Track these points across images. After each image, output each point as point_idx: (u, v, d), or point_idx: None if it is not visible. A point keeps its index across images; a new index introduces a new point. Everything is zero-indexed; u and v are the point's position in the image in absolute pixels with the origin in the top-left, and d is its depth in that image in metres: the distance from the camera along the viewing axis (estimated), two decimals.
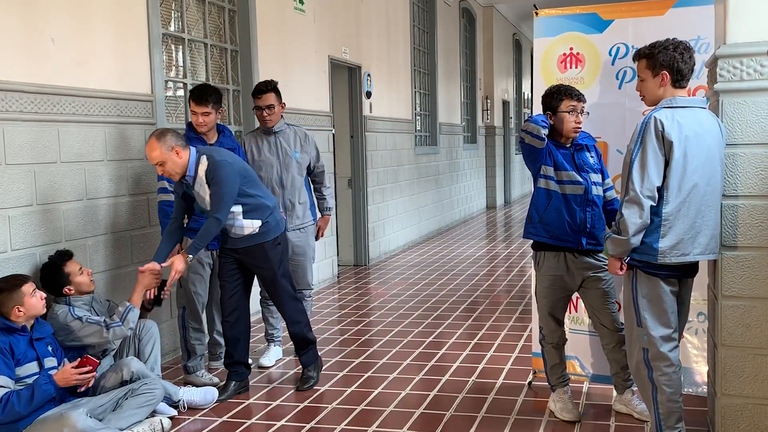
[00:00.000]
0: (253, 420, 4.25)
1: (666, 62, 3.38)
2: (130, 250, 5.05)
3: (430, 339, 5.76)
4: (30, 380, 3.71)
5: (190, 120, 4.83)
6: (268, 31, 6.85)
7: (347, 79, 9.08)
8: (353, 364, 5.19)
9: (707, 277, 3.87)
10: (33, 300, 3.78)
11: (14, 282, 3.79)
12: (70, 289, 4.13)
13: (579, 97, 3.90)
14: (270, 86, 5.13)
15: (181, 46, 5.88)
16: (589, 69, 4.30)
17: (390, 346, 5.65)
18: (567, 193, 3.90)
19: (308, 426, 4.14)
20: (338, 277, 8.54)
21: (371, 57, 9.52)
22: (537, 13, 4.44)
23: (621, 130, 4.14)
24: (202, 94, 4.72)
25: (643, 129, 3.30)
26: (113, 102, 4.88)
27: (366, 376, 4.95)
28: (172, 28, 5.80)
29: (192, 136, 4.78)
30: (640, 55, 3.50)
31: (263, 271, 4.59)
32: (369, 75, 9.38)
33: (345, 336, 5.97)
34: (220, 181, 4.26)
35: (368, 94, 9.33)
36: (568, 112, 3.88)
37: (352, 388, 4.73)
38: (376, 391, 4.66)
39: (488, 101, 16.00)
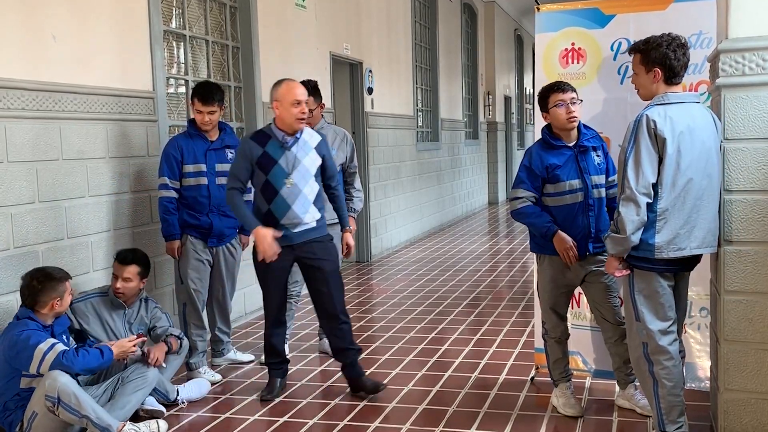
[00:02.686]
0: (255, 416, 4.26)
1: (658, 59, 3.38)
2: (132, 246, 5.04)
3: (433, 335, 5.76)
4: None
5: (191, 117, 4.82)
6: (269, 27, 6.85)
7: (348, 76, 9.07)
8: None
9: (709, 272, 3.87)
10: (68, 298, 3.86)
11: (62, 274, 3.87)
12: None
13: (564, 89, 3.88)
14: (307, 88, 4.96)
15: (182, 43, 5.88)
16: (591, 64, 4.29)
17: (392, 342, 5.65)
18: (567, 203, 3.90)
19: (311, 422, 4.14)
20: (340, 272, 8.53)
21: (372, 53, 9.51)
22: (538, 9, 4.43)
23: (623, 125, 4.11)
24: (208, 93, 4.69)
25: (636, 127, 3.31)
26: (115, 99, 4.88)
27: (368, 372, 4.95)
28: (173, 25, 5.80)
29: (193, 132, 4.77)
30: (634, 49, 3.51)
31: (326, 264, 4.46)
32: (370, 71, 9.37)
33: None
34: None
35: (369, 91, 9.32)
36: (557, 106, 3.88)
37: None
38: None
39: (490, 97, 15.99)
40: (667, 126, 3.27)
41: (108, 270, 4.82)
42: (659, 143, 3.27)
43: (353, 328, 6.01)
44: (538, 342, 4.66)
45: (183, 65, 5.90)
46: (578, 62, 4.33)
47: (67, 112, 4.50)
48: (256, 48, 6.61)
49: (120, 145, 4.93)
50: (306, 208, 4.32)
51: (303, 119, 4.29)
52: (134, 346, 3.99)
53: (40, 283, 3.77)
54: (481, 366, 4.96)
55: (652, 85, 3.43)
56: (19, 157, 4.19)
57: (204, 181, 4.74)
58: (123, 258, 4.30)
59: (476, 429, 3.96)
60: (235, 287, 5.11)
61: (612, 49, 4.22)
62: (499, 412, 4.19)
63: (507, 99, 17.73)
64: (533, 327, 4.96)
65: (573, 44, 4.34)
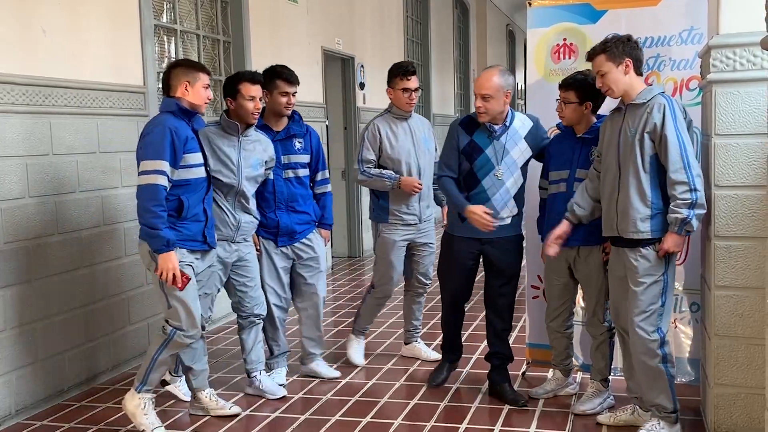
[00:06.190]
0: (247, 412, 4.25)
1: (627, 51, 3.50)
2: (124, 242, 5.03)
3: (425, 330, 5.76)
4: (198, 169, 3.85)
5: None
6: (261, 22, 6.83)
7: (340, 71, 9.05)
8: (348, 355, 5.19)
9: (700, 267, 3.88)
10: (201, 91, 3.83)
11: (196, 64, 3.92)
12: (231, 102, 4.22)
13: (560, 85, 3.94)
14: (414, 66, 4.86)
15: (173, 38, 5.86)
16: (583, 60, 4.27)
17: (384, 337, 5.65)
18: (552, 192, 4.03)
19: (302, 418, 4.14)
20: (332, 268, 8.54)
21: (365, 48, 9.50)
22: (530, 4, 4.44)
23: None
24: (292, 72, 4.52)
25: (674, 108, 3.42)
26: (105, 94, 4.86)
27: (361, 367, 4.96)
28: (164, 20, 5.77)
29: (259, 124, 4.46)
30: (595, 52, 3.56)
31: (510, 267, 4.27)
32: (362, 66, 9.36)
33: (339, 327, 5.98)
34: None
35: (362, 86, 9.31)
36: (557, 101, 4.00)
37: (347, 379, 4.73)
38: (371, 383, 4.67)
39: None
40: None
41: (102, 264, 4.82)
42: (687, 125, 3.46)
43: (345, 324, 6.03)
44: (530, 337, 4.69)
45: (174, 60, 5.88)
46: (570, 58, 4.34)
47: (57, 107, 4.48)
48: (248, 43, 6.60)
49: (111, 140, 4.91)
50: (505, 202, 4.13)
51: (483, 112, 4.05)
52: (173, 281, 3.72)
53: (173, 67, 3.84)
54: (472, 361, 4.96)
55: (625, 77, 3.51)
56: (9, 152, 4.16)
57: (270, 175, 4.47)
58: (253, 77, 4.26)
59: (468, 424, 3.97)
60: (324, 284, 4.79)
61: None
62: (490, 407, 4.20)
63: None
64: (524, 322, 4.96)
65: (565, 40, 4.34)
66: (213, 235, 4.02)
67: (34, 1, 4.33)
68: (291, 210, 4.53)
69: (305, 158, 4.60)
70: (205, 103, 3.90)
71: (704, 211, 3.39)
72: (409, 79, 4.80)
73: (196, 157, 3.86)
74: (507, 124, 4.12)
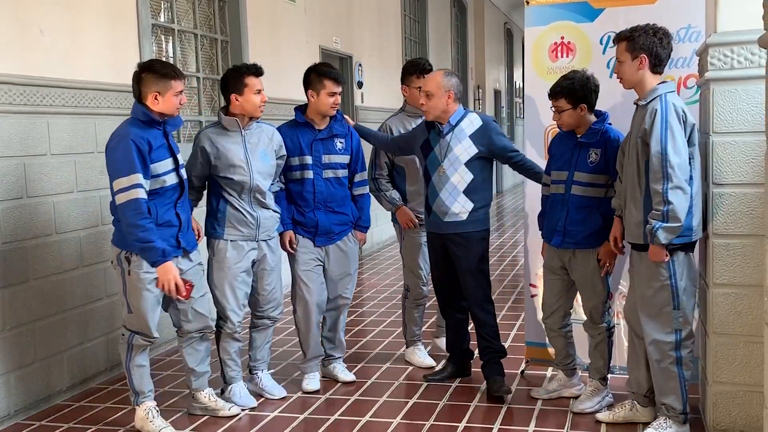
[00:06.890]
0: (247, 411, 4.25)
1: (645, 46, 3.44)
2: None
3: (423, 329, 5.75)
4: (166, 177, 3.76)
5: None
6: (259, 21, 6.83)
7: (338, 70, 9.04)
8: (346, 355, 5.17)
9: (699, 265, 3.88)
10: (173, 99, 3.76)
11: (168, 71, 3.77)
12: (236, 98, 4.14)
13: (551, 94, 3.91)
14: (430, 64, 4.87)
15: (171, 37, 5.85)
16: (580, 58, 4.30)
17: (383, 336, 5.65)
18: (551, 192, 4.02)
19: (301, 417, 4.14)
20: None
21: (363, 47, 9.50)
22: (528, 2, 4.44)
23: (612, 118, 4.14)
24: (339, 72, 4.50)
25: (667, 115, 3.32)
26: (103, 93, 4.86)
27: (359, 366, 4.96)
28: (162, 19, 5.77)
29: (302, 121, 4.47)
30: (620, 37, 3.55)
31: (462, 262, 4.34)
32: (360, 65, 9.36)
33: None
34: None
35: (359, 85, 9.31)
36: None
37: (346, 378, 4.72)
38: (369, 381, 4.67)
39: (480, 91, 15.99)
40: (689, 113, 3.40)
41: (100, 264, 4.81)
42: (688, 129, 3.36)
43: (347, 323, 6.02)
44: (529, 336, 4.69)
45: (172, 59, 5.88)
46: (567, 56, 4.34)
47: (55, 107, 4.47)
48: (245, 42, 6.59)
49: None
50: (454, 197, 4.22)
51: (425, 110, 4.26)
52: (179, 294, 3.80)
53: (144, 71, 3.76)
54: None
55: (638, 72, 3.48)
56: (6, 152, 4.16)
57: (309, 174, 4.42)
58: (257, 70, 4.21)
59: (466, 423, 3.97)
60: (352, 288, 4.76)
61: (601, 43, 4.23)
62: (489, 405, 4.20)
63: (497, 93, 17.74)
64: (523, 320, 4.96)
65: (562, 38, 4.34)
66: (190, 239, 3.99)
67: (32, 1, 4.33)
68: (330, 210, 4.49)
69: (345, 159, 4.55)
70: (177, 109, 3.84)
71: (678, 225, 3.30)
72: (424, 77, 4.76)
73: (166, 164, 3.79)
74: (452, 123, 4.23)
